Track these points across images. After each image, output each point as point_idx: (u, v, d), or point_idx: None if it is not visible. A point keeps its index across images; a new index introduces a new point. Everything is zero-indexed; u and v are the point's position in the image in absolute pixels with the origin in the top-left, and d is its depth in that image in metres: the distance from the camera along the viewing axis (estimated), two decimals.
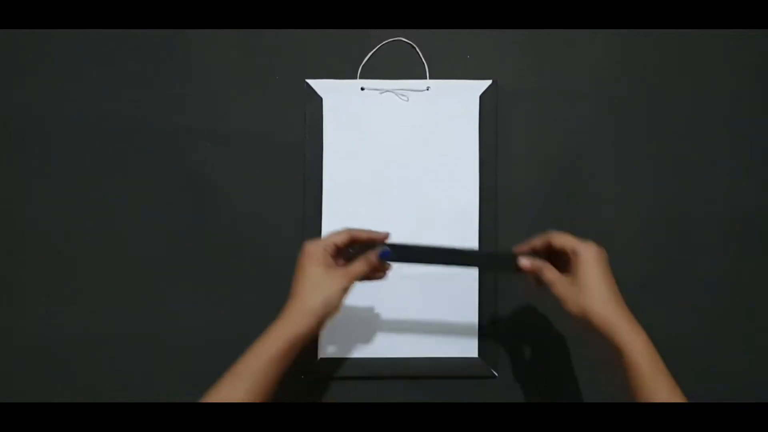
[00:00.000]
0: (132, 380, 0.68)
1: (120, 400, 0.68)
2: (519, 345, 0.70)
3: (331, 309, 0.56)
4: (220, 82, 0.71)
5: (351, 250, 0.60)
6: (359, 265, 0.58)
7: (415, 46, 0.72)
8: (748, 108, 0.72)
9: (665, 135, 0.72)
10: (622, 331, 0.53)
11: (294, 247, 0.60)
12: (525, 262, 0.59)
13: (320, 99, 0.71)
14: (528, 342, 0.70)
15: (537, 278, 0.59)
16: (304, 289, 0.56)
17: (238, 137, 0.71)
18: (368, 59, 0.72)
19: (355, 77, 0.71)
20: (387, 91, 0.71)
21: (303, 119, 0.71)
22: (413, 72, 0.72)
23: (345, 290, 0.57)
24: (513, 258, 0.60)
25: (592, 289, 0.55)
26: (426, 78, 0.71)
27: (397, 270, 0.69)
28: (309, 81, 0.71)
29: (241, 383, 0.53)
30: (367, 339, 0.69)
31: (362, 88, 0.71)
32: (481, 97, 0.71)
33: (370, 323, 0.70)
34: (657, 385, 0.52)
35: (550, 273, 0.58)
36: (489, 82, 0.71)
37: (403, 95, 0.71)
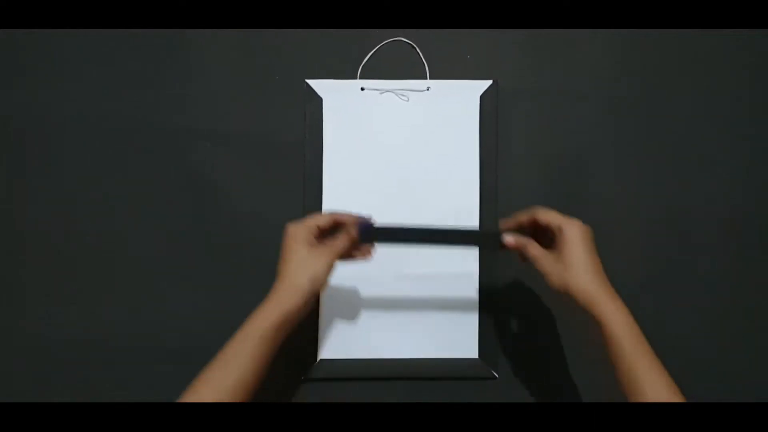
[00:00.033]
0: (132, 380, 0.68)
1: (120, 400, 0.68)
2: (519, 346, 0.70)
3: (318, 286, 0.58)
4: (220, 82, 0.71)
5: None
6: (341, 241, 0.60)
7: (415, 46, 0.72)
8: (748, 108, 0.72)
9: (665, 135, 0.72)
10: (603, 306, 0.54)
11: None
12: (509, 239, 0.60)
13: (320, 99, 0.71)
14: (528, 343, 0.70)
15: (522, 254, 0.60)
16: (291, 268, 0.57)
17: (238, 137, 0.71)
18: (368, 59, 0.72)
19: (355, 77, 0.71)
20: (387, 91, 0.71)
21: (303, 119, 0.71)
22: (413, 72, 0.72)
23: (330, 267, 0.58)
24: (497, 235, 0.61)
25: (575, 265, 0.55)
26: (426, 78, 0.71)
27: (397, 270, 0.70)
28: (309, 81, 0.71)
29: (234, 362, 0.54)
30: (367, 340, 0.69)
31: (362, 89, 0.71)
32: (482, 97, 0.71)
33: (370, 324, 0.70)
34: (636, 357, 0.52)
35: (534, 249, 0.59)
36: (489, 82, 0.71)
37: (403, 95, 0.71)
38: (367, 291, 0.70)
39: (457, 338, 0.70)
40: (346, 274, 0.70)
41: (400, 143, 0.71)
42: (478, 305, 0.70)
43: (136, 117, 0.71)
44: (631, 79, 0.72)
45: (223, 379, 0.53)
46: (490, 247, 0.61)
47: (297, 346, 0.69)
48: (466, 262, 0.70)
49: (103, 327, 0.69)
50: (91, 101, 0.71)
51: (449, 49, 0.72)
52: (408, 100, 0.71)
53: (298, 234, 0.58)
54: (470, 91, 0.71)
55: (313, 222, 0.59)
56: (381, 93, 0.71)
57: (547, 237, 0.59)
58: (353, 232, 0.60)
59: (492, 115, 0.71)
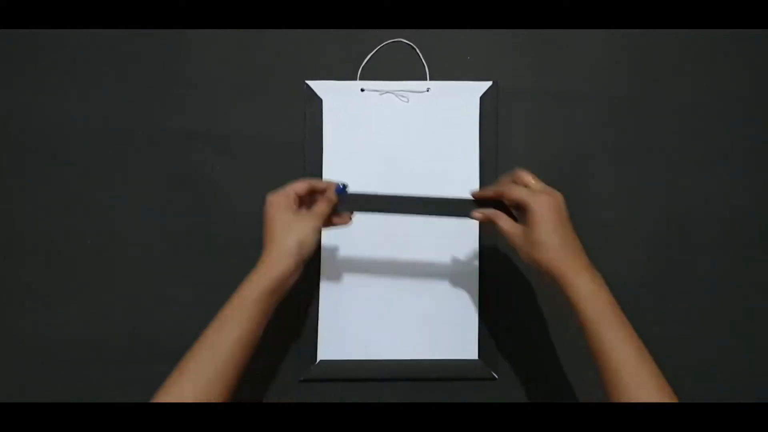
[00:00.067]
0: (132, 380, 0.68)
1: (120, 400, 0.68)
2: (519, 347, 0.70)
3: (306, 249, 0.58)
4: (219, 82, 0.71)
5: None
6: (322, 204, 0.61)
7: (415, 47, 0.72)
8: (748, 108, 0.72)
9: (665, 135, 0.72)
10: (569, 279, 0.54)
11: None
12: (477, 214, 0.61)
13: (320, 100, 0.71)
14: (528, 343, 0.70)
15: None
16: (277, 234, 0.58)
17: (237, 138, 0.71)
18: (368, 60, 0.72)
19: (355, 78, 0.71)
20: (387, 92, 0.71)
21: (303, 120, 0.71)
22: (413, 73, 0.72)
23: (316, 231, 0.59)
24: (469, 205, 0.61)
25: (540, 242, 0.55)
26: (426, 79, 0.71)
27: (397, 271, 0.70)
28: (309, 82, 0.71)
29: (231, 323, 0.55)
30: (366, 341, 0.69)
31: (362, 90, 0.71)
32: (482, 98, 0.71)
33: (369, 325, 0.70)
34: (601, 324, 0.52)
35: (502, 223, 0.59)
36: (489, 83, 0.71)
37: (403, 96, 0.71)
38: (366, 292, 0.70)
39: (456, 339, 0.70)
40: (345, 274, 0.70)
41: (400, 144, 0.71)
42: (477, 306, 0.70)
43: (136, 117, 0.71)
44: (631, 79, 0.72)
45: (220, 343, 0.54)
46: (464, 217, 0.61)
47: (296, 347, 0.69)
48: (466, 262, 0.70)
49: (103, 327, 0.69)
50: (91, 101, 0.71)
51: (449, 50, 0.72)
52: (408, 101, 0.71)
53: (279, 202, 0.59)
54: (470, 92, 0.71)
55: (291, 189, 0.60)
56: (381, 94, 0.71)
57: (519, 209, 0.59)
58: (332, 196, 0.61)
59: (492, 115, 0.71)
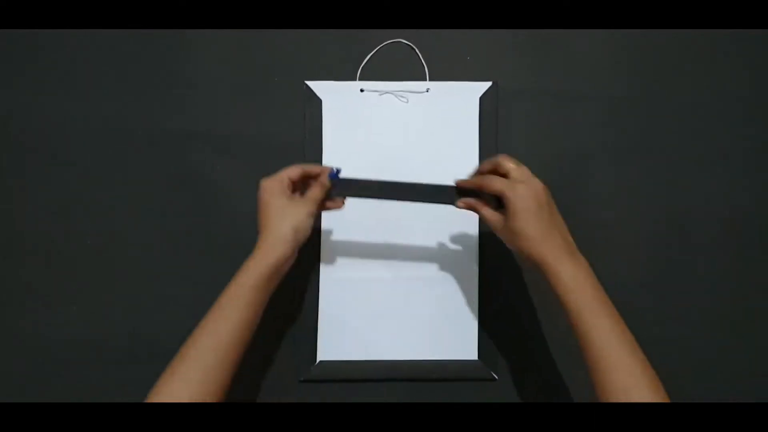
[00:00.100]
0: (132, 380, 0.68)
1: (120, 400, 0.68)
2: (519, 347, 0.70)
3: (302, 234, 0.58)
4: (219, 82, 0.71)
5: None
6: (315, 189, 0.61)
7: (414, 47, 0.72)
8: (748, 108, 0.72)
9: (665, 135, 0.72)
10: (550, 267, 0.54)
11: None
12: (460, 203, 0.61)
13: (320, 100, 0.71)
14: (528, 344, 0.70)
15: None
16: (272, 220, 0.58)
17: (238, 138, 0.71)
18: (368, 61, 0.72)
19: (354, 79, 0.71)
20: (386, 92, 0.71)
21: (302, 120, 0.71)
22: (413, 73, 0.72)
23: (311, 215, 0.59)
24: (460, 193, 0.62)
25: (521, 232, 0.55)
26: (426, 80, 0.71)
27: (397, 271, 0.70)
28: (308, 83, 0.71)
29: (228, 314, 0.55)
30: (366, 341, 0.69)
31: (362, 90, 0.71)
32: (481, 98, 0.71)
33: (369, 325, 0.70)
34: (583, 315, 0.52)
35: (484, 212, 0.59)
36: (489, 83, 0.71)
37: (402, 97, 0.71)
38: (366, 292, 0.70)
39: (456, 339, 0.69)
40: (345, 275, 0.70)
41: (400, 145, 0.71)
42: (477, 306, 0.70)
43: (136, 117, 0.71)
44: (631, 79, 0.72)
45: (219, 329, 0.54)
46: (449, 204, 0.62)
47: (296, 348, 0.69)
48: (466, 262, 0.70)
49: (103, 327, 0.69)
50: (91, 101, 0.71)
51: (449, 51, 0.72)
52: (407, 102, 0.71)
53: (274, 187, 0.59)
54: (470, 93, 0.71)
55: (285, 174, 0.60)
56: (380, 94, 0.71)
57: (498, 199, 0.59)
58: (325, 181, 0.61)
59: (492, 116, 0.71)
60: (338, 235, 0.70)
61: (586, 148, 0.71)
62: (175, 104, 0.71)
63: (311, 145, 0.70)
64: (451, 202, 0.62)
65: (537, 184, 0.57)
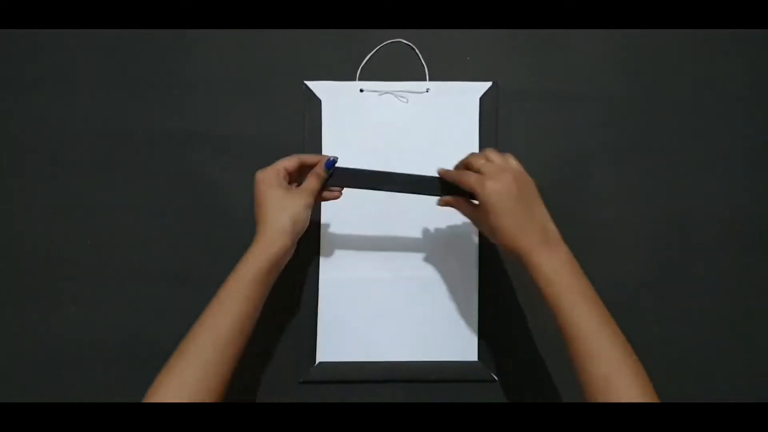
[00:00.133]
0: (132, 380, 0.68)
1: (120, 400, 0.68)
2: (519, 348, 0.70)
3: (300, 225, 0.58)
4: (220, 82, 0.71)
5: None
6: (312, 180, 0.60)
7: (414, 47, 0.72)
8: (748, 108, 0.72)
9: (665, 135, 0.72)
10: (528, 259, 0.54)
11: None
12: (440, 201, 0.62)
13: (319, 101, 0.71)
14: (528, 345, 0.70)
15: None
16: (270, 212, 0.58)
17: (237, 138, 0.71)
18: (367, 60, 0.72)
19: (354, 79, 0.71)
20: (386, 92, 0.71)
21: (302, 121, 0.71)
22: (413, 74, 0.72)
23: (308, 206, 0.59)
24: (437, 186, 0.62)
25: (495, 227, 0.55)
26: (426, 80, 0.71)
27: (397, 271, 0.70)
28: (308, 83, 0.71)
29: (227, 307, 0.54)
30: (365, 342, 0.69)
31: (361, 90, 0.71)
32: (481, 98, 0.71)
33: (368, 326, 0.69)
34: (560, 307, 0.52)
35: (464, 208, 0.61)
36: (489, 83, 0.71)
37: (402, 97, 0.71)
38: (365, 293, 0.70)
39: (456, 341, 0.69)
40: (345, 276, 0.70)
41: (400, 145, 0.71)
42: (477, 307, 0.70)
43: (136, 117, 0.71)
44: (631, 79, 0.72)
45: (218, 323, 0.54)
46: (434, 195, 0.62)
47: (295, 348, 0.69)
48: (466, 262, 0.70)
49: (103, 327, 0.69)
50: (91, 101, 0.71)
51: (449, 51, 0.72)
52: (407, 102, 0.71)
53: (270, 178, 0.59)
54: (470, 93, 0.71)
55: (281, 165, 0.60)
56: (380, 95, 0.71)
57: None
58: (320, 170, 0.60)
59: (492, 116, 0.71)
60: (337, 236, 0.70)
61: (586, 148, 0.71)
62: (175, 104, 0.71)
63: (311, 145, 0.70)
64: (449, 194, 0.62)
65: (507, 178, 0.56)
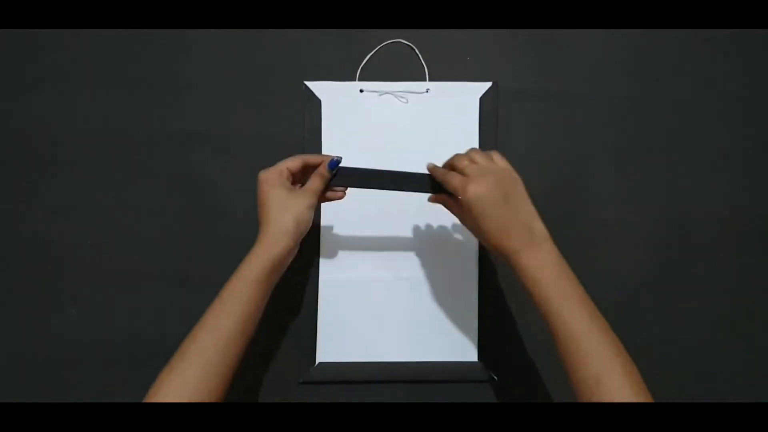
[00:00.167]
0: (132, 380, 0.68)
1: (120, 400, 0.68)
2: (519, 348, 0.70)
3: (303, 226, 0.58)
4: (220, 82, 0.71)
5: None
6: (315, 180, 0.60)
7: (414, 47, 0.72)
8: (748, 108, 0.72)
9: (665, 135, 0.72)
10: (513, 259, 0.54)
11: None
12: (430, 198, 0.63)
13: (319, 101, 0.71)
14: (528, 345, 0.70)
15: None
16: (273, 212, 0.57)
17: (237, 138, 0.71)
18: (367, 61, 0.72)
19: (354, 79, 0.71)
20: (386, 93, 0.71)
21: (302, 121, 0.71)
22: (413, 74, 0.72)
23: (311, 206, 0.59)
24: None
25: (478, 228, 0.56)
26: (426, 80, 0.71)
27: (397, 271, 0.70)
28: (307, 83, 0.71)
29: (230, 308, 0.54)
30: (365, 343, 0.69)
31: (361, 90, 0.71)
32: (481, 99, 0.71)
33: (368, 327, 0.70)
34: (547, 307, 0.52)
35: (453, 208, 0.61)
36: (489, 84, 0.71)
37: (402, 97, 0.71)
38: (365, 293, 0.70)
39: (456, 341, 0.69)
40: (345, 276, 0.70)
41: (400, 145, 0.71)
42: (477, 307, 0.70)
43: (136, 117, 0.71)
44: (631, 79, 0.72)
45: (220, 324, 0.54)
46: (425, 192, 0.63)
47: (295, 349, 0.69)
48: (466, 262, 0.70)
49: (103, 327, 0.69)
50: (91, 101, 0.71)
51: (449, 51, 0.72)
52: (407, 102, 0.71)
53: (273, 179, 0.58)
54: (470, 93, 0.71)
55: (284, 165, 0.59)
56: (380, 95, 0.71)
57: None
58: (323, 171, 0.60)
59: (492, 116, 0.71)
60: (337, 236, 0.70)
61: (586, 148, 0.71)
62: (175, 104, 0.71)
63: (310, 145, 0.70)
64: (428, 192, 0.62)
65: (489, 181, 0.55)
